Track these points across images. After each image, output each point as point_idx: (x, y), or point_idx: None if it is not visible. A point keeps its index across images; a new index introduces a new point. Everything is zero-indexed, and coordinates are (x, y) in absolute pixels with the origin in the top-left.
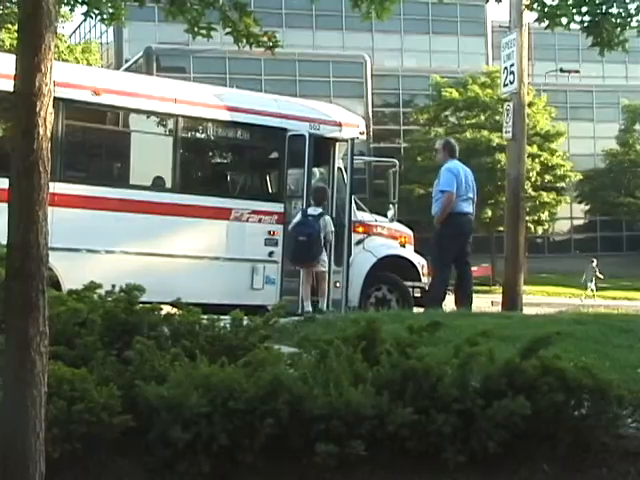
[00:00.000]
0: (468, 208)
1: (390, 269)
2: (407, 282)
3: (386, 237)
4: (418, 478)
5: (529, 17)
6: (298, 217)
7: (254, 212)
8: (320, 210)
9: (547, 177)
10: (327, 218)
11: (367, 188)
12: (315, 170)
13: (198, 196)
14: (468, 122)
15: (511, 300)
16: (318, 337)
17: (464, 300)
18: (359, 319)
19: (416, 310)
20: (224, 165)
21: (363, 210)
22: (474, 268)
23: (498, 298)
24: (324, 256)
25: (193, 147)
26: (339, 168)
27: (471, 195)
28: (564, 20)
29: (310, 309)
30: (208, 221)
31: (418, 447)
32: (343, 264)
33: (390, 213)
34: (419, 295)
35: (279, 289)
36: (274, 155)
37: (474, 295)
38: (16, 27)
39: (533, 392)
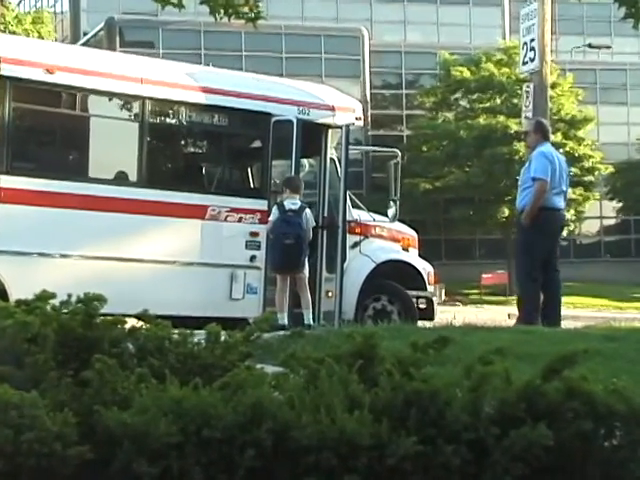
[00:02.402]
0: (561, 203)
1: (391, 276)
2: (411, 291)
3: (386, 239)
4: None
5: None
6: (275, 213)
7: (233, 210)
8: (299, 203)
9: (573, 170)
10: (308, 212)
11: (364, 182)
12: (304, 161)
13: (168, 191)
14: (481, 106)
15: None
16: (307, 355)
17: (552, 316)
18: (355, 334)
19: (421, 323)
20: (198, 156)
21: (360, 208)
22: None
23: (516, 310)
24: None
25: (162, 135)
26: (332, 159)
27: (564, 188)
28: None
29: (286, 322)
30: (180, 220)
31: None
32: (336, 270)
33: (391, 211)
34: (424, 306)
35: (262, 299)
36: (256, 144)
37: (487, 305)
38: None
39: (556, 419)
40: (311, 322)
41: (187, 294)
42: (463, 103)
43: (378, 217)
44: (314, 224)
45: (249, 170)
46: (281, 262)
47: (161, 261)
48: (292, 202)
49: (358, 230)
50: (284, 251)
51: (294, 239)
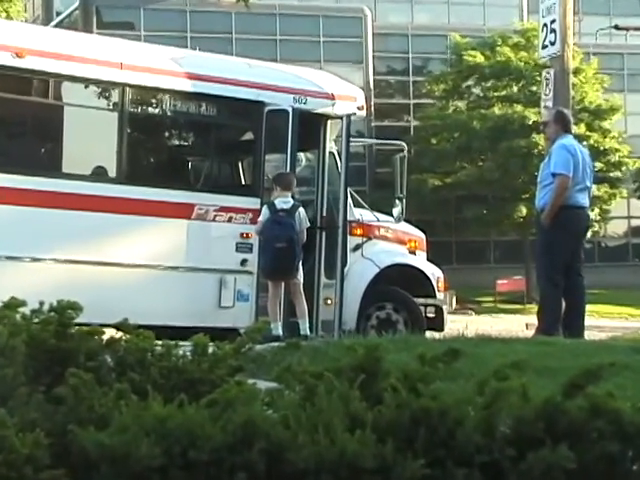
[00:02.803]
0: (584, 201)
1: (396, 282)
2: (418, 299)
3: (391, 241)
4: None
5: None
6: (265, 213)
7: (223, 209)
8: (291, 201)
9: (598, 165)
10: (302, 211)
11: (367, 179)
12: (300, 155)
13: (150, 188)
14: (496, 94)
15: None
16: (304, 369)
17: (576, 325)
18: (356, 346)
19: (429, 334)
20: (184, 149)
21: (362, 207)
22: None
23: (534, 319)
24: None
25: (144, 126)
26: (331, 153)
27: (589, 184)
28: None
29: (280, 332)
30: (163, 220)
31: None
32: (336, 276)
33: (396, 211)
34: (433, 315)
35: (254, 307)
36: (248, 136)
37: (502, 314)
38: None
39: (579, 440)
40: (308, 332)
41: (171, 302)
42: (476, 91)
43: (382, 217)
44: (308, 225)
45: (240, 165)
46: (272, 267)
47: (143, 265)
48: (284, 201)
49: (360, 231)
50: (275, 255)
51: (286, 242)
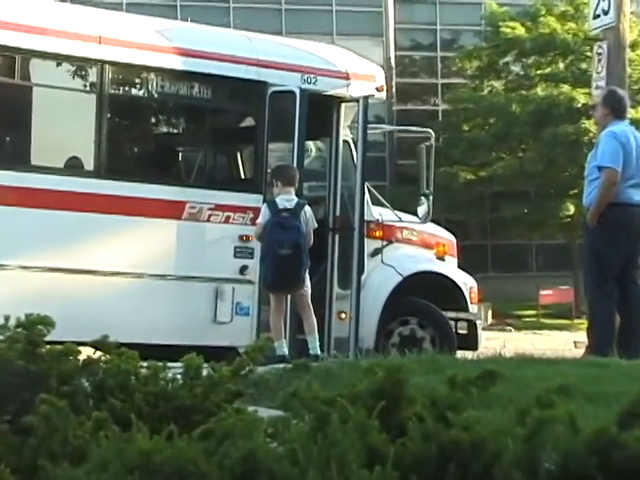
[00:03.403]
0: (639, 197)
1: (422, 293)
2: (448, 312)
3: (416, 245)
4: None
5: None
6: (266, 214)
7: (219, 207)
8: (295, 199)
9: None
10: (308, 210)
11: (387, 172)
12: (310, 145)
13: (134, 183)
14: (540, 72)
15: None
16: (314, 394)
17: (633, 343)
18: (375, 368)
19: (461, 354)
20: (174, 138)
21: (382, 205)
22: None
23: (584, 337)
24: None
25: (127, 110)
26: (346, 141)
27: None
28: None
29: (286, 351)
30: (149, 221)
31: None
32: (351, 286)
33: (422, 209)
34: (465, 332)
35: (255, 322)
36: (248, 122)
37: (547, 330)
38: None
39: (638, 478)
40: (318, 352)
41: (159, 316)
42: (515, 69)
43: (405, 216)
44: (316, 225)
45: (239, 156)
46: (275, 278)
47: (125, 273)
48: (286, 199)
49: (380, 233)
50: (278, 265)
51: (291, 248)
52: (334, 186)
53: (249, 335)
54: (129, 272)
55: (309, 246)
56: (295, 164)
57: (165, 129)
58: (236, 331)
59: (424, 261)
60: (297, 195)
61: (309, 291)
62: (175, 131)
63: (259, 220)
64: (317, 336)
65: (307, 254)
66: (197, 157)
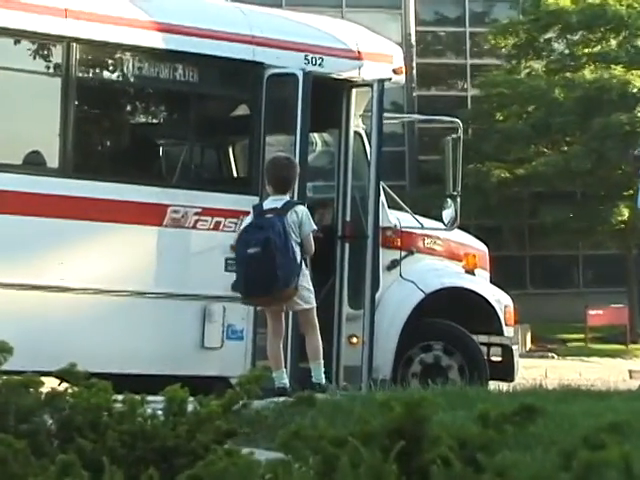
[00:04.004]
0: None
1: (448, 313)
2: (479, 336)
3: (441, 256)
4: None
5: None
6: (248, 219)
7: (207, 211)
8: (285, 198)
9: None
10: (300, 210)
11: (407, 169)
12: (314, 137)
13: (106, 183)
14: (587, 51)
15: None
16: (320, 433)
17: None
18: (393, 401)
19: (494, 385)
20: (153, 129)
21: (400, 208)
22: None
23: None
24: (305, 281)
25: (98, 97)
26: (357, 134)
27: None
28: None
29: (286, 382)
30: (124, 228)
31: None
32: (364, 305)
33: (448, 213)
34: (499, 359)
35: (251, 348)
36: (242, 111)
37: (596, 358)
38: None
39: None
40: (323, 381)
41: (135, 341)
42: (559, 47)
43: (428, 222)
44: (314, 228)
45: (231, 151)
46: (244, 283)
47: (95, 291)
48: (274, 200)
49: (398, 242)
50: (246, 265)
51: (260, 246)
52: (343, 186)
53: (243, 363)
54: (100, 289)
55: (309, 253)
56: (297, 160)
57: (143, 119)
58: (227, 358)
59: (450, 275)
60: (299, 197)
61: (313, 307)
62: (155, 121)
63: (241, 224)
64: (322, 363)
65: (292, 257)
66: (181, 152)
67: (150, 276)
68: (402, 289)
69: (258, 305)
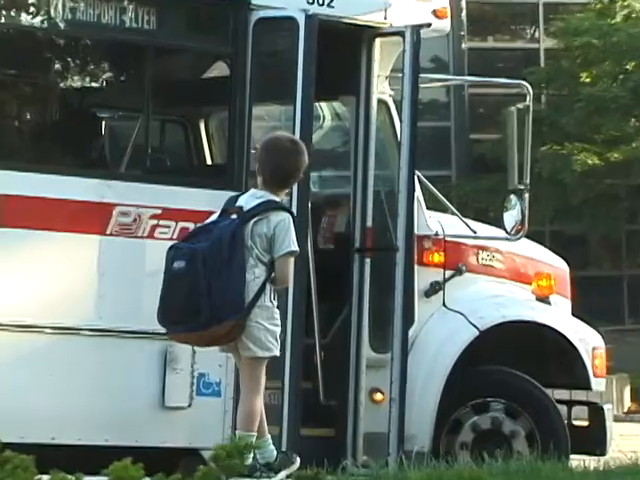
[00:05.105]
0: None
1: (511, 358)
2: (555, 390)
3: (501, 276)
4: None
5: None
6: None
7: (168, 213)
8: (267, 197)
9: None
10: (279, 220)
11: (453, 154)
12: (322, 108)
13: (23, 173)
14: None
15: None
16: None
17: None
18: None
19: (577, 460)
20: (92, 97)
21: (444, 209)
22: None
23: None
24: (264, 316)
25: (10, 50)
26: (382, 103)
27: None
28: None
29: (272, 455)
30: (50, 237)
31: None
32: (392, 346)
33: (512, 216)
34: (585, 423)
35: (231, 407)
36: (219, 70)
37: None
38: None
39: None
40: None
41: (69, 399)
42: None
43: (483, 229)
44: (292, 249)
45: (203, 128)
46: (160, 309)
47: (11, 327)
48: (257, 195)
49: (440, 257)
50: (167, 285)
51: (185, 260)
52: (363, 178)
53: (220, 429)
54: (16, 325)
55: (281, 284)
56: (298, 139)
57: (78, 82)
58: (198, 422)
59: (515, 304)
60: (300, 195)
61: (274, 353)
62: (95, 85)
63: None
64: (268, 440)
65: (241, 283)
66: (133, 129)
67: (87, 306)
68: (446, 324)
69: (186, 344)
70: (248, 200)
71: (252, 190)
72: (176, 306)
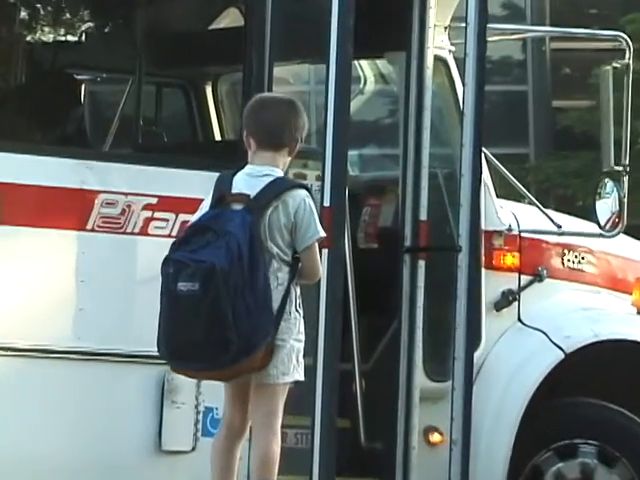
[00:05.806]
0: None
1: (607, 387)
2: None
3: (593, 283)
4: None
5: None
6: (203, 207)
7: (166, 202)
8: (273, 171)
9: None
10: (300, 197)
11: (531, 126)
12: (362, 67)
13: None
14: None
15: None
16: None
17: None
18: None
19: None
20: (66, 52)
21: (520, 198)
22: None
23: None
24: (290, 333)
25: None
26: (440, 60)
27: None
28: None
29: None
30: (18, 233)
31: None
32: (453, 373)
33: (607, 207)
34: None
35: (245, 451)
36: (230, 19)
37: None
38: None
39: None
40: None
41: (43, 438)
42: None
43: (570, 222)
44: (320, 235)
45: (210, 93)
46: (167, 343)
47: None
48: (254, 172)
49: (514, 259)
50: (173, 312)
51: (200, 280)
52: (415, 159)
53: None
54: None
55: (310, 280)
56: (332, 109)
57: (49, 34)
58: (204, 471)
59: (612, 319)
60: (334, 178)
61: (295, 379)
62: (71, 38)
63: (192, 218)
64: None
65: (268, 298)
66: (119, 96)
67: (63, 323)
68: (523, 345)
69: (197, 379)
70: (249, 182)
71: (248, 167)
72: (191, 341)
